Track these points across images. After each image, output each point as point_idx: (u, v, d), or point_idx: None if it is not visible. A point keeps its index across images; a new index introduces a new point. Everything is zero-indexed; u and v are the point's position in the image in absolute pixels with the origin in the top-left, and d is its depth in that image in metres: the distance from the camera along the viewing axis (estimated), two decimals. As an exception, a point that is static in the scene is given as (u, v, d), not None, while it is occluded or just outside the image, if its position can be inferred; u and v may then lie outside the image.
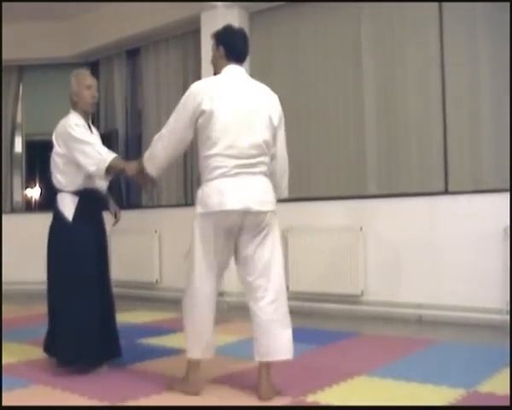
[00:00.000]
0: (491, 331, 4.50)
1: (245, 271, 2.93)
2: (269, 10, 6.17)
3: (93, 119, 7.80)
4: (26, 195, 8.41)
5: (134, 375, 3.32)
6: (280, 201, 3.20)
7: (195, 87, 2.90)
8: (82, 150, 3.32)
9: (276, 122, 2.94)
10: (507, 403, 2.67)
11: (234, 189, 2.78)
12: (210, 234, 2.84)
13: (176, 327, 4.23)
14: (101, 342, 3.40)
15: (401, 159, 5.34)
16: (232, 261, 3.00)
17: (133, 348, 4.01)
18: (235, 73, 2.95)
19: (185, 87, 3.02)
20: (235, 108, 2.82)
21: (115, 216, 3.78)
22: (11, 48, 7.41)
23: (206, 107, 2.80)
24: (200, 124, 2.83)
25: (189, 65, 6.85)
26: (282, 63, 6.08)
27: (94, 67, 7.82)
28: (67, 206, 3.43)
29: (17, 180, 8.21)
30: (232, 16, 6.02)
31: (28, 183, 8.44)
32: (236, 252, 2.93)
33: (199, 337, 2.89)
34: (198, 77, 5.94)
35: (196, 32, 6.46)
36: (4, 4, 6.39)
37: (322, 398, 2.83)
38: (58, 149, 3.45)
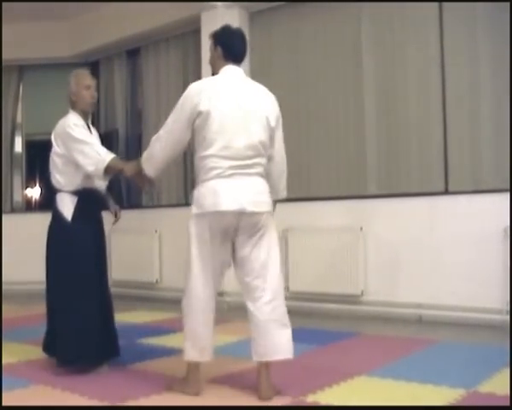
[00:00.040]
0: (491, 331, 4.50)
1: (242, 271, 2.93)
2: (269, 10, 6.17)
3: (93, 119, 7.85)
4: (26, 195, 8.41)
5: (134, 375, 3.33)
6: (280, 201, 3.20)
7: (193, 88, 2.90)
8: (81, 150, 3.32)
9: (273, 123, 2.93)
10: (507, 403, 2.67)
11: (229, 189, 2.79)
12: (206, 234, 2.84)
13: (176, 327, 4.23)
14: (101, 341, 3.40)
15: (401, 159, 5.34)
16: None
17: (133, 348, 4.01)
18: (232, 73, 2.95)
19: (185, 87, 3.01)
20: (231, 109, 2.82)
21: (115, 215, 3.78)
22: (11, 48, 7.41)
23: (203, 108, 2.80)
24: (197, 125, 2.83)
25: (189, 65, 6.85)
26: (282, 63, 6.08)
27: (94, 67, 7.82)
28: (66, 206, 3.43)
29: (17, 180, 8.21)
30: (232, 16, 6.02)
31: (28, 183, 8.44)
32: (233, 253, 2.93)
33: (196, 338, 2.88)
34: (198, 77, 5.94)
35: (196, 32, 6.46)
36: (4, 4, 6.39)
37: (323, 398, 2.83)
38: (57, 148, 3.45)
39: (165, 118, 2.99)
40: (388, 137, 5.42)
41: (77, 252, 3.39)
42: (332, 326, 4.87)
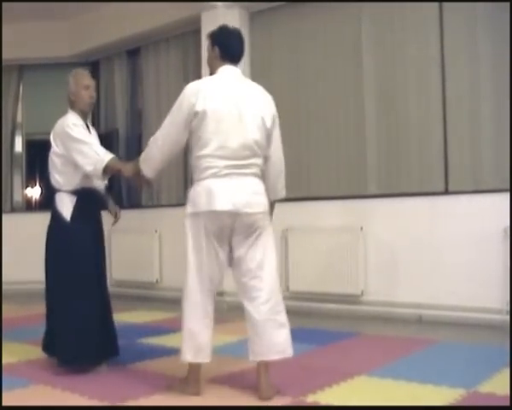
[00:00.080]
0: (491, 331, 4.49)
1: (238, 272, 2.94)
2: (269, 10, 6.16)
3: (93, 119, 7.86)
4: (26, 194, 8.41)
5: (134, 375, 3.33)
6: (280, 201, 3.20)
7: (189, 88, 2.90)
8: (80, 150, 3.32)
9: (268, 124, 2.92)
10: (507, 403, 2.67)
11: (223, 189, 2.79)
12: (201, 234, 2.84)
13: (176, 327, 4.22)
14: (100, 341, 3.40)
15: (401, 159, 5.33)
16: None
17: (133, 348, 4.01)
18: (229, 73, 2.95)
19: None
20: (227, 109, 2.82)
21: (115, 216, 3.78)
22: (11, 47, 7.41)
23: (199, 108, 2.80)
24: (193, 125, 2.84)
25: (190, 65, 6.85)
26: (283, 63, 6.08)
27: (94, 67, 7.83)
28: (66, 205, 3.43)
29: (17, 180, 8.21)
30: (232, 16, 6.02)
31: (28, 182, 8.44)
32: (230, 253, 2.93)
33: (191, 339, 2.87)
34: (198, 77, 5.92)
35: (196, 32, 6.46)
36: (4, 4, 6.39)
37: (323, 398, 2.83)
38: (56, 148, 3.45)
39: (166, 118, 2.99)
40: (388, 136, 5.42)
41: (76, 252, 3.40)
42: (332, 326, 4.87)
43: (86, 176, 3.41)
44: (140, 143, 7.28)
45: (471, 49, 4.97)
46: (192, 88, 2.89)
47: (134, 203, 7.37)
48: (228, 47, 2.97)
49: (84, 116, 3.55)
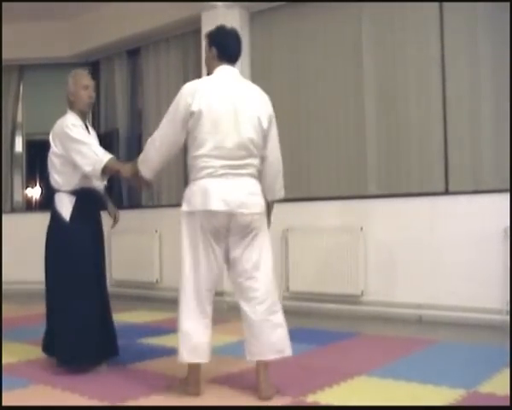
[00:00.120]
0: (491, 332, 4.50)
1: (234, 272, 2.94)
2: (269, 10, 6.17)
3: (94, 119, 7.86)
4: (26, 194, 8.41)
5: (134, 375, 3.33)
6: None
7: (186, 88, 2.90)
8: (78, 150, 3.32)
9: (265, 124, 2.92)
10: (507, 403, 2.67)
11: (219, 189, 2.79)
12: (197, 232, 2.84)
13: (176, 327, 4.23)
14: (100, 341, 3.40)
15: (401, 159, 5.33)
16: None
17: (133, 348, 4.01)
18: (226, 73, 2.96)
19: (185, 87, 3.01)
20: (224, 110, 2.82)
21: (114, 218, 3.77)
22: (11, 48, 7.42)
23: (195, 108, 2.80)
24: (189, 125, 2.84)
25: (190, 65, 6.85)
26: (283, 63, 6.08)
27: (94, 67, 7.84)
28: (65, 206, 3.43)
29: (17, 180, 8.21)
30: (233, 16, 6.02)
31: (28, 182, 8.44)
32: (226, 253, 2.93)
33: (187, 339, 2.86)
34: (198, 77, 5.89)
35: (197, 32, 6.46)
36: (4, 4, 6.39)
37: (323, 398, 2.83)
38: (55, 149, 3.45)
39: (163, 118, 2.98)
40: (388, 137, 5.42)
41: (75, 252, 3.40)
42: (332, 326, 4.86)
43: (85, 176, 3.41)
44: (140, 143, 7.27)
45: (471, 50, 4.97)
46: (189, 88, 2.89)
47: (134, 203, 7.37)
48: (225, 47, 2.97)
49: (83, 116, 3.55)
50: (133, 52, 7.55)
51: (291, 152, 5.87)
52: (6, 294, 6.70)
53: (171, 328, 4.58)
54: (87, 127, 3.56)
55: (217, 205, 2.78)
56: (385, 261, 5.26)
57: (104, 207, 3.73)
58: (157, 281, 6.79)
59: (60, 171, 3.45)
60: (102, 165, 3.27)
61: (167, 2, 6.38)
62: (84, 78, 3.56)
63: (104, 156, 3.30)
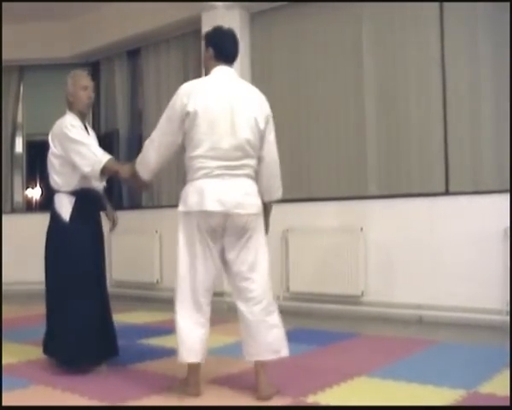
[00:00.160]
0: (491, 332, 4.49)
1: (230, 273, 2.95)
2: (269, 11, 6.16)
3: (94, 119, 7.85)
4: (26, 195, 8.42)
5: (134, 375, 3.32)
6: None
7: (183, 89, 2.90)
8: (77, 151, 3.32)
9: (262, 125, 2.92)
10: (507, 404, 2.67)
11: (215, 190, 2.79)
12: (194, 231, 2.84)
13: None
14: (100, 341, 3.41)
15: (402, 159, 5.33)
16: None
17: (133, 349, 4.01)
18: (223, 73, 2.95)
19: (186, 88, 3.00)
20: (220, 110, 2.82)
21: (112, 221, 3.77)
22: (12, 48, 7.42)
23: (191, 108, 2.81)
24: (186, 125, 2.84)
25: (190, 65, 6.85)
26: (283, 63, 6.08)
27: (94, 68, 7.84)
28: (64, 206, 3.44)
29: (18, 180, 8.21)
30: (233, 17, 6.02)
31: (29, 183, 8.44)
32: (222, 254, 2.94)
33: (182, 338, 2.86)
34: (198, 77, 5.93)
35: (197, 33, 6.46)
36: (4, 4, 6.39)
37: (323, 398, 2.83)
38: (54, 149, 3.46)
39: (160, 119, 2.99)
40: (389, 137, 5.42)
41: (75, 252, 3.40)
42: (332, 327, 4.86)
43: (85, 177, 3.41)
44: (140, 144, 7.21)
45: (471, 50, 4.97)
46: (185, 88, 2.90)
47: (134, 204, 7.37)
48: (222, 47, 2.97)
49: (82, 117, 3.55)
50: (133, 53, 7.55)
51: (291, 152, 5.87)
52: (6, 294, 6.70)
53: (172, 328, 4.57)
54: (86, 128, 3.56)
55: (212, 205, 2.78)
56: (385, 262, 5.26)
57: (104, 208, 3.73)
58: (157, 281, 6.79)
59: (59, 171, 3.45)
60: (101, 165, 3.27)
61: (167, 2, 6.38)
62: (83, 78, 3.56)
63: (103, 157, 3.30)
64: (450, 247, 4.92)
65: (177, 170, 6.74)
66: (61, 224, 3.43)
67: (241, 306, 2.90)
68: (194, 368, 2.92)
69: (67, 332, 3.33)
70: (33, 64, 7.95)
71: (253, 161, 2.91)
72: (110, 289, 3.82)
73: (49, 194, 3.59)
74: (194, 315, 2.88)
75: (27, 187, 8.41)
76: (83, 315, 3.34)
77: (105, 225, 3.69)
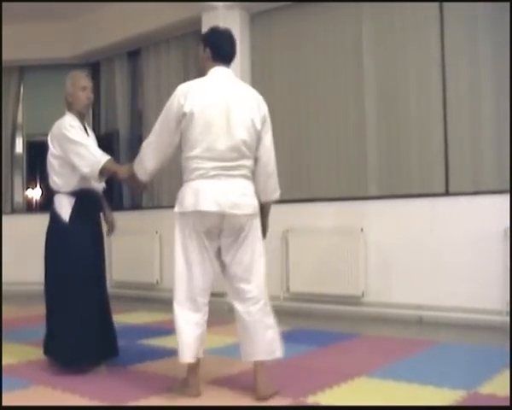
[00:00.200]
0: (491, 333, 4.49)
1: (227, 274, 2.95)
2: (269, 11, 6.17)
3: (94, 120, 7.85)
4: (26, 195, 8.42)
5: (134, 376, 3.32)
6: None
7: (179, 89, 2.90)
8: (76, 152, 3.32)
9: (258, 125, 2.91)
10: (507, 404, 2.67)
11: (211, 190, 2.79)
12: (191, 231, 2.85)
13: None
14: (100, 342, 3.40)
15: (402, 160, 5.34)
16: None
17: (134, 349, 4.01)
18: (220, 74, 2.95)
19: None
20: (216, 111, 2.82)
21: (110, 226, 3.76)
22: (12, 48, 7.42)
23: (187, 109, 2.81)
24: (182, 126, 2.84)
25: (190, 66, 6.85)
26: (283, 64, 6.08)
27: (95, 68, 7.85)
28: (64, 207, 3.44)
29: (18, 181, 8.22)
30: (233, 17, 6.03)
31: (29, 183, 8.44)
32: (219, 254, 2.94)
33: (182, 338, 2.86)
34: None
35: (197, 33, 6.45)
36: (4, 4, 6.39)
37: (323, 399, 2.83)
38: (53, 150, 3.45)
39: (158, 119, 2.99)
40: (389, 137, 5.42)
41: (75, 253, 3.40)
42: (332, 327, 4.86)
43: (84, 177, 3.41)
44: (140, 145, 7.22)
45: (471, 50, 4.98)
46: (182, 89, 2.90)
47: (135, 204, 7.37)
48: (219, 48, 2.97)
49: (81, 118, 3.54)
50: (133, 53, 7.56)
51: (291, 152, 5.87)
52: (6, 295, 6.70)
53: (172, 329, 4.57)
54: (85, 129, 3.56)
55: (208, 206, 2.78)
56: (385, 262, 5.26)
57: (103, 209, 3.73)
58: (157, 282, 6.79)
59: (58, 172, 3.45)
60: (100, 166, 3.27)
61: (168, 2, 6.39)
62: (81, 79, 3.56)
63: (102, 158, 3.30)
64: (450, 247, 4.92)
65: (178, 171, 6.74)
66: (61, 224, 3.43)
67: (238, 306, 2.91)
68: (193, 369, 2.92)
69: (67, 333, 3.33)
70: (33, 64, 7.96)
71: (249, 162, 2.91)
72: (110, 289, 3.82)
73: (49, 194, 3.58)
74: (193, 315, 2.88)
75: (27, 187, 8.42)
76: (82, 316, 3.34)
77: (104, 225, 3.69)
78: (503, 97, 4.80)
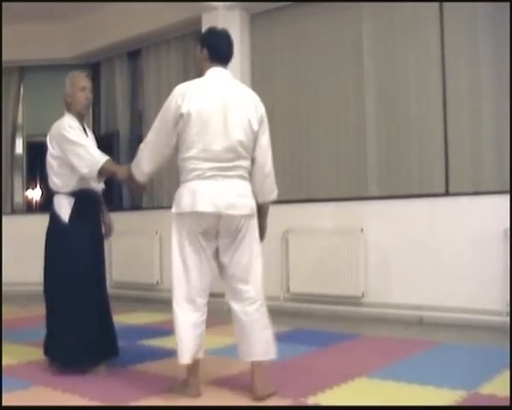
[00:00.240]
0: (491, 333, 4.49)
1: (224, 274, 2.96)
2: (269, 11, 6.16)
3: (94, 120, 7.85)
4: (26, 196, 8.42)
5: (134, 376, 3.32)
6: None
7: (177, 90, 2.90)
8: (75, 152, 3.32)
9: (255, 126, 2.91)
10: (507, 404, 2.67)
11: (207, 191, 2.79)
12: (188, 232, 2.85)
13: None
14: (100, 342, 3.40)
15: (402, 160, 5.33)
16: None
17: (134, 350, 4.01)
18: (218, 75, 2.95)
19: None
20: (213, 111, 2.82)
21: (108, 229, 3.75)
22: (12, 49, 7.43)
23: (184, 110, 2.80)
24: (179, 126, 2.84)
25: (190, 66, 6.85)
26: (283, 64, 6.08)
27: (95, 69, 7.85)
28: (64, 207, 3.43)
29: (18, 181, 8.22)
30: (233, 18, 6.03)
31: (29, 184, 8.45)
32: (217, 256, 2.94)
33: (181, 339, 2.86)
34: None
35: (197, 34, 6.43)
36: (4, 4, 6.39)
37: (323, 399, 2.83)
38: (52, 151, 3.45)
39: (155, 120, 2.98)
40: (389, 138, 5.42)
41: (74, 253, 3.40)
42: (332, 328, 4.86)
43: (83, 178, 3.41)
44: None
45: (471, 50, 4.98)
46: (179, 89, 2.90)
47: (134, 205, 7.37)
48: (216, 49, 2.97)
49: (80, 118, 3.54)
50: (134, 53, 7.56)
51: (291, 152, 5.88)
52: (6, 295, 6.70)
53: (172, 329, 4.58)
54: (85, 129, 3.56)
55: (204, 206, 2.78)
56: (385, 263, 5.26)
57: (103, 209, 3.72)
58: (157, 282, 6.79)
59: (58, 173, 3.45)
60: (99, 167, 3.27)
61: (168, 2, 6.39)
62: (81, 79, 3.55)
63: (101, 158, 3.30)
64: (450, 248, 4.92)
65: (178, 171, 6.75)
66: (61, 225, 3.43)
67: (235, 306, 2.91)
68: (193, 369, 2.92)
69: (67, 333, 3.33)
70: (33, 65, 7.96)
71: (246, 163, 2.91)
72: (110, 290, 3.82)
73: (49, 195, 3.58)
74: (191, 316, 2.88)
75: (27, 188, 8.42)
76: (82, 316, 3.33)
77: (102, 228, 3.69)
78: (503, 97, 4.79)
